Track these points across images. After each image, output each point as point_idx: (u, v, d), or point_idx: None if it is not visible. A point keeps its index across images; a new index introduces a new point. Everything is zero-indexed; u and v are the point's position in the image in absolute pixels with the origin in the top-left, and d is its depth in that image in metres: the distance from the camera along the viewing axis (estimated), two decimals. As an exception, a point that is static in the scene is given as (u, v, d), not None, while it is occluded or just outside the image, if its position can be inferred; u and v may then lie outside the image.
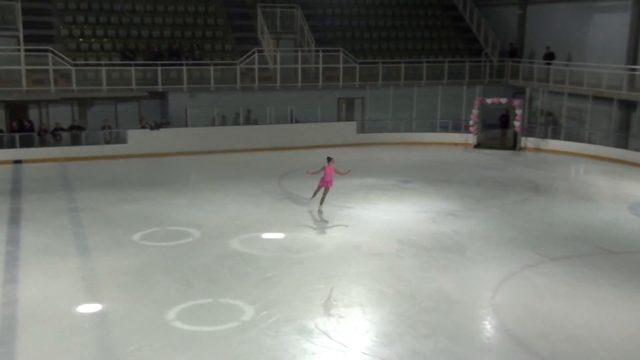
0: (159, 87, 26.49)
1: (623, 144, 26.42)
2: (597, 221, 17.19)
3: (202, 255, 14.30)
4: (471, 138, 28.40)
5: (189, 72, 26.85)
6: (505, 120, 28.44)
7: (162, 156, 25.05)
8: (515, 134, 27.86)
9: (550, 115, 30.45)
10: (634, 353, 10.07)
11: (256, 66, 27.71)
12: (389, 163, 25.69)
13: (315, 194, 18.06)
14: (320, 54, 28.82)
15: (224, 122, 27.45)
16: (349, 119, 29.87)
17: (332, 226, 16.59)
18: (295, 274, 13.24)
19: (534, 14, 33.03)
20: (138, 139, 25.35)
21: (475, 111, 27.94)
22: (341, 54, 29.07)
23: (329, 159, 17.95)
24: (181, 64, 26.75)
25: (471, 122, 28.14)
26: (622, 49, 27.68)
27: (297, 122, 28.19)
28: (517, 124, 27.34)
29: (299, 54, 29.00)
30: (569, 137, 28.25)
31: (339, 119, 29.72)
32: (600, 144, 26.89)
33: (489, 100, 27.65)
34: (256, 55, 27.68)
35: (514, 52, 32.60)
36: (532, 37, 33.31)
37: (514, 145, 27.77)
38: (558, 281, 12.97)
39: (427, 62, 30.76)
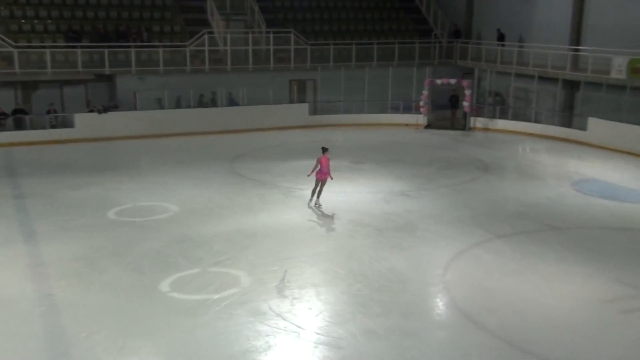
0: (106, 70, 25.87)
1: (567, 122, 27.08)
2: (543, 198, 17.61)
3: (154, 239, 14.13)
4: (422, 119, 28.69)
5: (137, 54, 26.28)
6: (454, 101, 28.80)
7: (111, 140, 24.57)
8: (464, 114, 28.25)
9: (498, 95, 30.96)
10: (576, 325, 10.39)
11: (206, 48, 27.33)
12: (341, 144, 25.72)
13: (314, 193, 16.57)
14: (271, 35, 28.60)
15: (179, 105, 27.08)
16: (301, 100, 29.81)
17: (286, 208, 16.58)
18: (248, 256, 13.20)
19: (483, -6, 33.42)
20: (85, 123, 24.78)
21: (425, 92, 28.22)
22: (292, 36, 28.91)
23: (324, 149, 16.49)
24: (129, 46, 26.17)
25: (421, 103, 28.42)
26: (566, 30, 28.28)
27: (234, 104, 27.94)
28: (466, 104, 27.72)
29: (250, 35, 28.71)
30: (516, 117, 28.82)
31: (291, 101, 29.62)
32: (546, 123, 27.52)
33: (438, 81, 27.94)
34: (206, 37, 27.29)
35: (458, 33, 32.96)
36: (480, 18, 33.73)
37: (463, 126, 28.17)
38: (506, 257, 13.27)
39: (378, 43, 30.85)
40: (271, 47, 28.56)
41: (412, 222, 15.47)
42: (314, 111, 29.42)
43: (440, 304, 11.38)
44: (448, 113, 29.18)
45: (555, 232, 14.89)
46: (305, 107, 28.97)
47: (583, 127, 25.36)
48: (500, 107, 29.63)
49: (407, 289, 11.74)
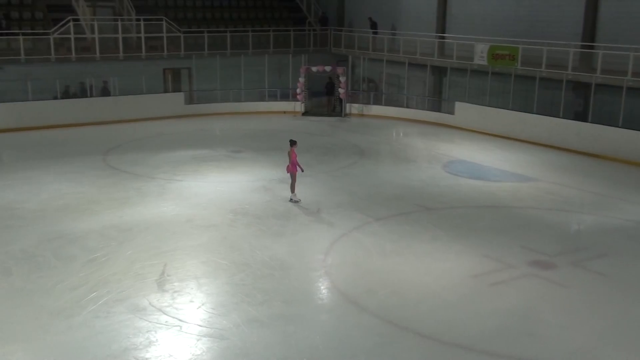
0: (-39, 60, 24.03)
1: (437, 107, 28.29)
2: (417, 181, 18.30)
3: (22, 239, 13.32)
4: (299, 106, 28.90)
5: (-5, 42, 24.61)
6: (330, 88, 29.27)
7: (-30, 135, 22.87)
8: (340, 101, 28.75)
9: (372, 82, 31.79)
10: (450, 300, 10.91)
11: (72, 36, 26.03)
12: (219, 133, 25.48)
13: (293, 189, 15.98)
14: (142, 22, 27.68)
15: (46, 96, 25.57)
16: (176, 90, 29.12)
17: (163, 200, 16.17)
18: (125, 251, 12.76)
19: (353, -17, 34.07)
20: (-61, 117, 22.92)
21: (301, 79, 28.43)
22: (164, 23, 28.14)
23: (292, 142, 15.97)
24: (-16, 34, 24.43)
25: (298, 90, 28.63)
26: (432, 18, 29.47)
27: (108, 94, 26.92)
28: (341, 91, 28.23)
29: (119, 23, 27.61)
30: (389, 102, 29.76)
31: (165, 90, 28.86)
32: (417, 108, 28.62)
33: (314, 69, 28.24)
34: (71, 24, 25.97)
35: (325, 21, 33.49)
36: (352, 6, 34.41)
37: (339, 112, 28.68)
38: (384, 239, 13.67)
39: (253, 31, 30.70)
40: (142, 35, 27.66)
41: (293, 209, 15.57)
42: (190, 100, 28.85)
43: (322, 289, 11.56)
44: (324, 100, 29.62)
45: (429, 212, 15.52)
46: (180, 96, 28.34)
47: (451, 111, 26.59)
48: (374, 93, 30.45)
49: (289, 275, 11.82)
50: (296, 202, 16.00)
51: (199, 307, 10.56)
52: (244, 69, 29.56)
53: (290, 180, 16.12)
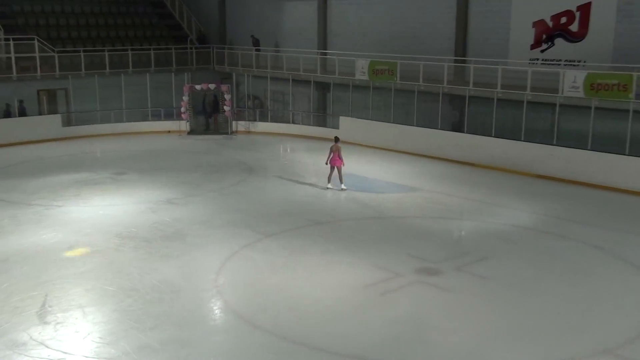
0: None
1: (322, 122, 28.73)
2: (306, 195, 18.45)
3: None
4: (184, 125, 28.42)
5: None
6: (215, 106, 28.98)
7: None
8: (226, 119, 28.55)
9: (257, 98, 31.84)
10: (344, 312, 11.02)
11: None
12: (101, 155, 24.57)
13: (330, 180, 18.93)
14: (11, 42, 26.25)
15: None
16: (52, 111, 27.78)
17: (42, 227, 15.32)
18: (1, 284, 11.95)
19: (233, 1, 34.06)
20: None
21: (185, 98, 27.98)
22: (36, 42, 26.84)
23: (336, 139, 19.12)
24: None
25: (182, 109, 28.13)
26: (314, 35, 30.00)
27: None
28: (227, 108, 28.04)
29: (-14, 42, 26.08)
30: (275, 119, 29.91)
31: (40, 113, 27.47)
32: (303, 123, 28.93)
33: (198, 87, 27.90)
34: None
35: (203, 39, 33.32)
36: (233, 24, 34.37)
37: (226, 130, 28.46)
38: (275, 255, 13.64)
39: (133, 49, 29.91)
40: (12, 55, 26.23)
41: (182, 229, 15.23)
42: (68, 122, 27.65)
43: (215, 309, 11.35)
44: (209, 118, 29.27)
45: (319, 226, 15.66)
46: (57, 118, 27.08)
47: (336, 126, 27.04)
48: (259, 110, 30.48)
49: (180, 298, 11.52)
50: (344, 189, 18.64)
51: (85, 337, 10.05)
52: (124, 88, 28.71)
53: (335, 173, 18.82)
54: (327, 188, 18.84)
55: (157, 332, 10.23)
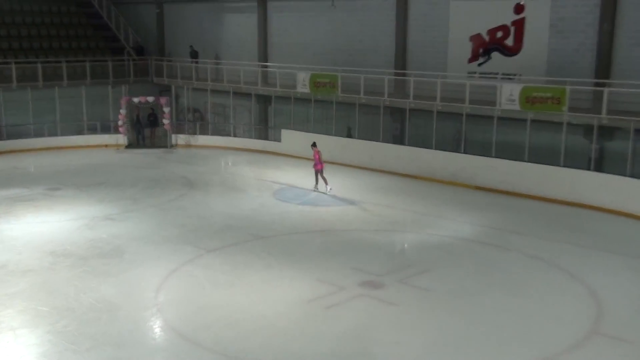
0: None
1: (264, 135, 28.67)
2: (248, 210, 18.33)
3: None
4: (122, 139, 27.86)
5: None
6: (153, 119, 28.54)
7: None
8: (165, 132, 28.15)
9: (197, 111, 31.55)
10: (287, 328, 10.98)
11: None
12: (34, 171, 23.83)
13: (317, 182, 20.26)
14: None
15: None
16: (-19, 125, 26.83)
17: (-30, 247, 14.73)
18: None
19: (171, 12, 33.79)
20: None
21: (122, 111, 27.42)
22: (-38, 54, 25.90)
23: (313, 145, 20.38)
24: None
25: (120, 123, 27.58)
26: (254, 47, 29.98)
27: None
28: (166, 122, 27.65)
29: None
30: (216, 132, 29.67)
31: (-32, 126, 26.50)
32: (244, 136, 28.80)
33: (136, 99, 27.41)
34: None
35: (141, 50, 32.89)
36: (172, 35, 34.04)
37: (165, 143, 28.05)
38: (217, 271, 13.49)
39: (67, 61, 29.21)
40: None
41: (120, 246, 14.91)
42: (-2, 136, 26.72)
43: (155, 328, 11.11)
44: (148, 131, 28.80)
45: (261, 241, 15.57)
46: (-13, 132, 26.15)
47: (278, 139, 27.04)
48: (200, 123, 30.20)
49: (119, 317, 11.24)
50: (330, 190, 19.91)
51: (18, 361, 9.69)
52: (59, 100, 27.97)
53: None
54: (328, 192, 19.94)
55: (94, 353, 9.95)
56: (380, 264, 13.97)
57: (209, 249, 14.79)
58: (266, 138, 28.20)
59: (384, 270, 13.56)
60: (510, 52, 22.32)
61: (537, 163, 19.80)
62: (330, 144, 24.91)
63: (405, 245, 16.01)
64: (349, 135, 25.25)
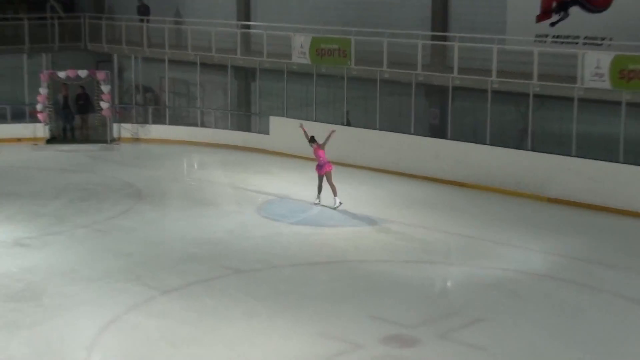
0: None
1: (245, 124, 28.56)
2: (221, 231, 18.26)
3: None
4: (42, 129, 27.86)
5: None
6: (86, 102, 28.46)
7: None
8: (104, 121, 28.08)
9: (150, 91, 31.52)
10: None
11: None
12: None
13: (320, 190, 20.19)
14: None
15: None
16: None
17: None
18: None
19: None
20: None
21: (43, 91, 27.40)
22: None
23: (312, 140, 20.28)
24: None
25: (39, 107, 27.54)
26: (232, 1, 29.88)
27: None
28: (104, 105, 27.56)
29: None
30: (177, 121, 29.60)
31: None
32: (218, 126, 28.72)
33: (62, 74, 27.40)
34: None
35: (71, 5, 33.01)
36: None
37: (104, 137, 27.98)
38: (176, 321, 13.34)
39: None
40: None
41: (36, 285, 14.89)
42: None
43: (84, 405, 10.97)
44: (78, 119, 28.76)
45: (240, 277, 15.47)
46: None
47: (265, 131, 26.96)
48: (153, 107, 30.16)
49: (33, 388, 11.11)
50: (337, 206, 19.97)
51: None
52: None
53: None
54: (337, 206, 19.92)
55: None
56: (412, 310, 13.82)
57: (164, 289, 14.69)
58: (248, 129, 28.17)
59: (417, 320, 13.40)
60: (597, 6, 22.13)
61: (637, 165, 19.61)
62: (341, 137, 24.71)
63: (448, 284, 15.90)
64: (348, 123, 25.09)
